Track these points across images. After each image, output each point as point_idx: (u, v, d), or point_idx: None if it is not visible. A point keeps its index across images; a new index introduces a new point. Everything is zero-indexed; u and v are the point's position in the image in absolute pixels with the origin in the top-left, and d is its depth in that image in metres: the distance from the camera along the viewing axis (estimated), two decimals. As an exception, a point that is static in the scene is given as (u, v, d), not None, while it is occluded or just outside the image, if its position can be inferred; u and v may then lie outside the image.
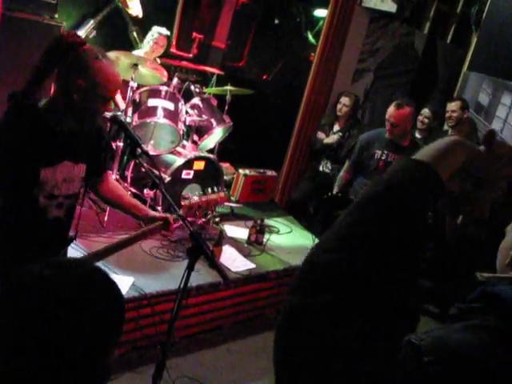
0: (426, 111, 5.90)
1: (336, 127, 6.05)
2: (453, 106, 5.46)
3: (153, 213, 2.73)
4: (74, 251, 3.96)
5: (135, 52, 5.55)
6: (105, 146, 2.65)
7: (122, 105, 5.33)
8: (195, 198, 2.77)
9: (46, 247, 2.40)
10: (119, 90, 5.48)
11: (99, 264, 3.76)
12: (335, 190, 4.81)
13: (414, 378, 1.13)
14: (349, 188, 4.80)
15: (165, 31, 5.76)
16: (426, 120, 5.80)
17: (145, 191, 4.60)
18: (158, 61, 5.91)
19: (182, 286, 2.47)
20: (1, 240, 2.36)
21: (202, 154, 5.13)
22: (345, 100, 5.95)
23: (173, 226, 2.63)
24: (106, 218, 4.59)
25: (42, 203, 2.32)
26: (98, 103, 2.29)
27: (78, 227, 2.69)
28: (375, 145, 4.56)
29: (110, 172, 2.71)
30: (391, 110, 4.44)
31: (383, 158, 4.49)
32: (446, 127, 5.75)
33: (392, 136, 4.47)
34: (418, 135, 5.83)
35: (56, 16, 4.84)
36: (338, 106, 5.98)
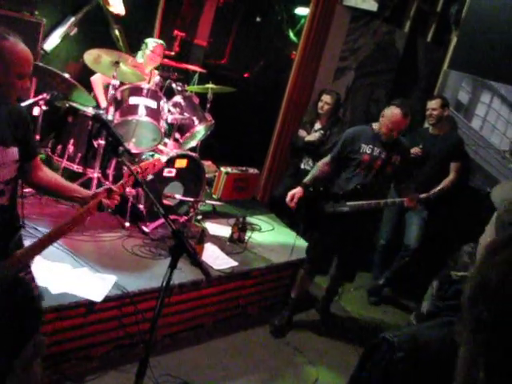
0: None
1: (317, 125, 6.07)
2: (433, 103, 5.50)
3: (91, 192, 2.73)
4: (58, 251, 3.95)
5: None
6: (33, 129, 2.64)
7: (104, 103, 5.32)
8: (132, 167, 2.77)
9: None
10: (102, 89, 5.48)
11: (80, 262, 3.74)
12: (307, 179, 4.67)
13: (389, 373, 1.16)
14: (329, 183, 4.76)
15: (160, 41, 5.74)
16: None
17: (127, 189, 4.58)
18: (156, 72, 5.87)
19: (164, 284, 2.47)
20: None
21: (184, 152, 5.13)
22: (326, 98, 5.96)
23: (115, 196, 2.63)
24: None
25: None
26: (15, 82, 2.33)
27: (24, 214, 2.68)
28: (361, 139, 4.52)
29: (39, 158, 2.68)
30: (399, 118, 4.34)
31: (368, 151, 4.47)
32: (426, 125, 5.79)
33: (389, 139, 4.44)
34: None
35: (36, 13, 4.83)
36: (320, 104, 6.00)
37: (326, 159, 4.73)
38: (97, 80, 5.50)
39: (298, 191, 4.54)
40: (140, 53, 5.70)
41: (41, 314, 2.81)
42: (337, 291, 5.16)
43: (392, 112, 4.39)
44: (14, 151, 2.44)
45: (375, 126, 4.55)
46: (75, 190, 2.75)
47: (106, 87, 5.35)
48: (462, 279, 2.21)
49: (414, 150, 5.38)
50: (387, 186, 4.80)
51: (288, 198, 4.54)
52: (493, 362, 0.81)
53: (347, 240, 4.59)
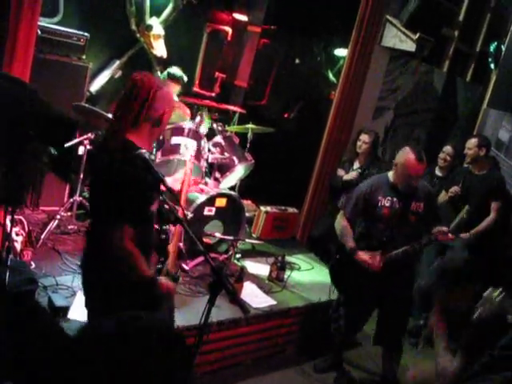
0: (448, 148, 5.74)
1: (356, 164, 6.06)
2: (470, 143, 5.41)
3: None
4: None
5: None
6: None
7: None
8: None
9: None
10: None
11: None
12: (351, 244, 4.24)
13: None
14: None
15: (177, 72, 5.52)
16: (448, 158, 5.71)
17: (167, 227, 4.65)
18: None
19: (202, 321, 2.49)
20: None
21: (224, 191, 5.19)
22: (364, 137, 5.95)
23: None
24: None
25: None
26: None
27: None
28: (378, 193, 4.18)
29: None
30: (414, 163, 3.98)
31: (388, 204, 4.13)
32: (465, 164, 5.72)
33: (409, 189, 4.13)
34: (438, 173, 5.81)
35: (83, 57, 5.02)
36: (358, 143, 6.00)
37: (342, 220, 4.37)
38: None
39: (376, 259, 4.13)
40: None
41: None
42: (394, 370, 4.47)
43: (406, 159, 4.05)
44: None
45: (391, 175, 4.23)
46: None
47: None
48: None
49: (454, 189, 5.34)
50: (417, 235, 4.21)
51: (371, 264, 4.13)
52: None
53: (384, 298, 4.30)
